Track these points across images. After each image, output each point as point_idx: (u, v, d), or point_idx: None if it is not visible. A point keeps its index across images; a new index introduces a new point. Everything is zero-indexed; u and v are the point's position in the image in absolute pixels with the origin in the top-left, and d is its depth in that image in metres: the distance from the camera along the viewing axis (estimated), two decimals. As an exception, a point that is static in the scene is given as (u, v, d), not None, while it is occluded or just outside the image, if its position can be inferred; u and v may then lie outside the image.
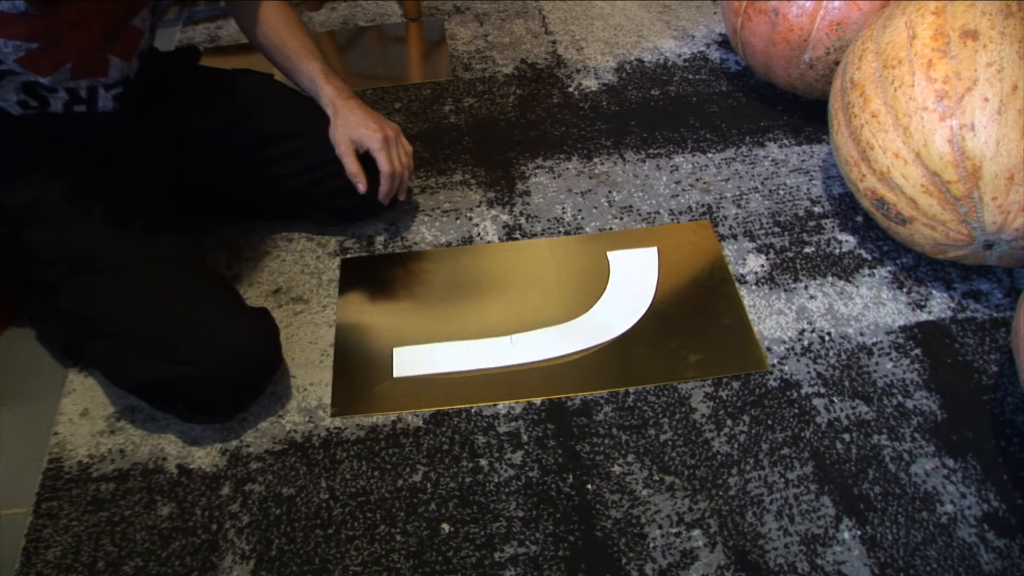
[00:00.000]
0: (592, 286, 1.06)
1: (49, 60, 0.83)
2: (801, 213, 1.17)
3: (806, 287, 1.06)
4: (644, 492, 0.86)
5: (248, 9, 1.06)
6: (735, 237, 1.13)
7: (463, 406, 0.94)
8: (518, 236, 1.14)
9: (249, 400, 0.93)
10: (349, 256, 1.12)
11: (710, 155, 1.26)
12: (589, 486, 0.87)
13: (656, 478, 0.87)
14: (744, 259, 1.10)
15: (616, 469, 0.88)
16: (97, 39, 0.87)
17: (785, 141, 1.29)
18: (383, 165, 1.02)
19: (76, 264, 0.86)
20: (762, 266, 1.09)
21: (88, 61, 0.87)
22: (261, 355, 0.91)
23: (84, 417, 0.94)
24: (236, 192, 1.09)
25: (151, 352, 0.85)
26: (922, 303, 1.04)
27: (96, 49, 0.87)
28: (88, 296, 0.87)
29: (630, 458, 0.89)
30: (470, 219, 1.17)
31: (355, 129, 1.01)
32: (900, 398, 0.93)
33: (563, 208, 1.18)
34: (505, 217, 1.17)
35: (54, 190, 0.88)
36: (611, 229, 1.15)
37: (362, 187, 1.02)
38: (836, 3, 1.15)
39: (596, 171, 1.24)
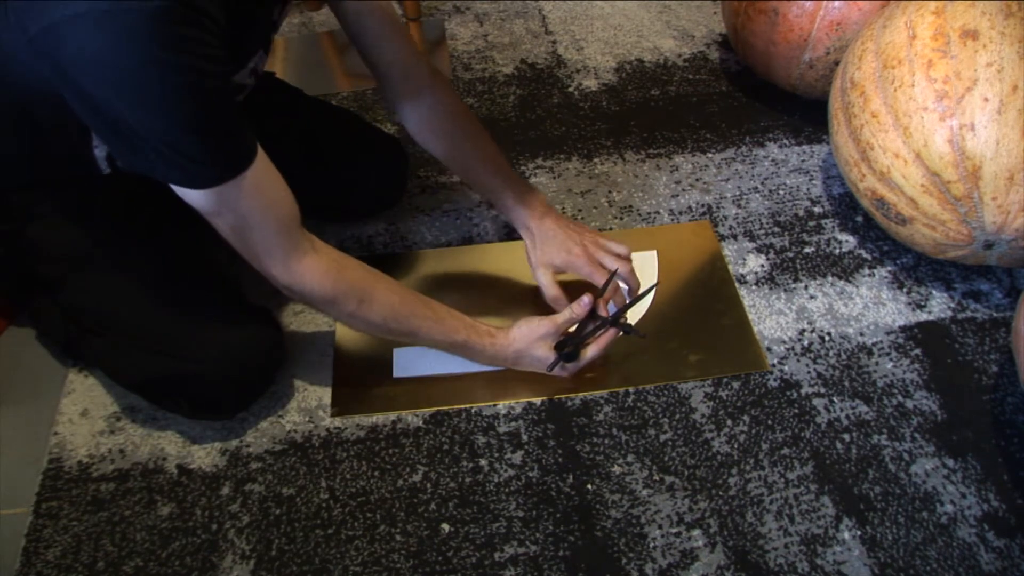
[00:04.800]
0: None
1: None
2: (801, 213, 1.17)
3: (806, 287, 1.06)
4: (644, 492, 0.86)
5: (410, 100, 0.97)
6: (735, 237, 1.13)
7: (463, 406, 0.94)
8: (518, 236, 1.14)
9: (253, 398, 0.93)
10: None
11: (710, 155, 1.26)
12: (589, 486, 0.87)
13: (656, 478, 0.87)
14: (744, 259, 1.10)
15: (616, 469, 0.88)
16: None
17: (785, 141, 1.29)
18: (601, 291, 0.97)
19: (78, 261, 0.86)
20: (762, 266, 1.09)
21: None
22: (264, 353, 0.91)
23: (84, 417, 0.94)
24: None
25: (154, 349, 0.85)
26: (922, 303, 1.04)
27: None
28: (91, 292, 0.87)
29: (630, 458, 0.89)
30: (470, 219, 1.17)
31: (556, 255, 0.98)
32: (900, 398, 0.93)
33: (563, 208, 1.18)
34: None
35: (57, 189, 0.88)
36: (611, 229, 1.15)
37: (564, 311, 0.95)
38: (836, 3, 1.15)
39: (596, 171, 1.24)
